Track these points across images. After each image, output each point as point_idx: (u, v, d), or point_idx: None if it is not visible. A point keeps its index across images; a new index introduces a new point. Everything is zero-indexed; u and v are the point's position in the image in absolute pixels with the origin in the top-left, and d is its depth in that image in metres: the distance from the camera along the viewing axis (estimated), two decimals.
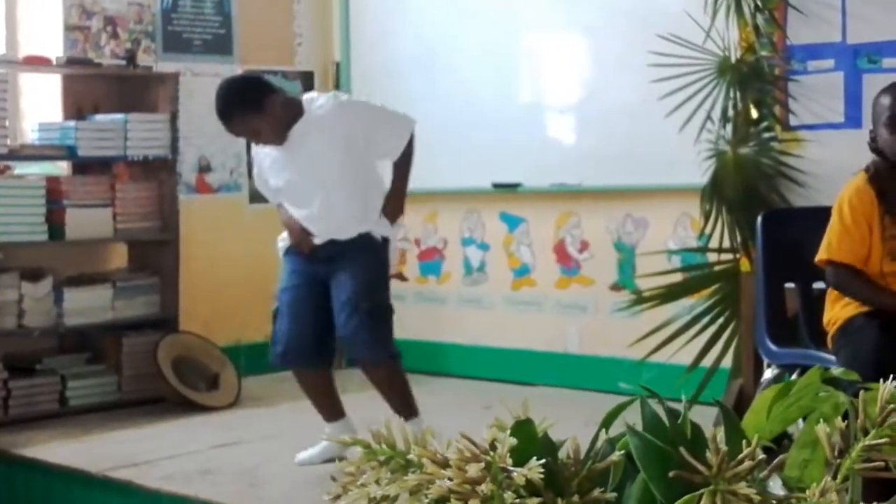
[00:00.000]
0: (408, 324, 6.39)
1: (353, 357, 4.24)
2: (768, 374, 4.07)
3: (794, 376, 3.84)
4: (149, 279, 5.69)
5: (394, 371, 4.29)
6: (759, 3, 4.46)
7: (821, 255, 3.65)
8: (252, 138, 4.25)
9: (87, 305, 5.46)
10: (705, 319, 4.66)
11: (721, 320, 4.64)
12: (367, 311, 4.18)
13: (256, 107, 4.10)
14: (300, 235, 4.28)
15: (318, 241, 4.26)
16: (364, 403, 4.49)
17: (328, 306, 4.25)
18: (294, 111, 4.21)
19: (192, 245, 5.87)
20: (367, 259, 4.23)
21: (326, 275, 4.26)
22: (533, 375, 5.84)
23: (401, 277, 6.47)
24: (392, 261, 4.41)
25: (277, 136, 4.19)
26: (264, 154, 4.35)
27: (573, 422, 1.31)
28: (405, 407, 4.26)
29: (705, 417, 1.17)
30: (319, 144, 4.18)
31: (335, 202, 4.21)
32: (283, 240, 4.40)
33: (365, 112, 4.31)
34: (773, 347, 3.98)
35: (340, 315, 4.20)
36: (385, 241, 4.29)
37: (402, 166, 4.33)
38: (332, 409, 4.41)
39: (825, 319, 3.78)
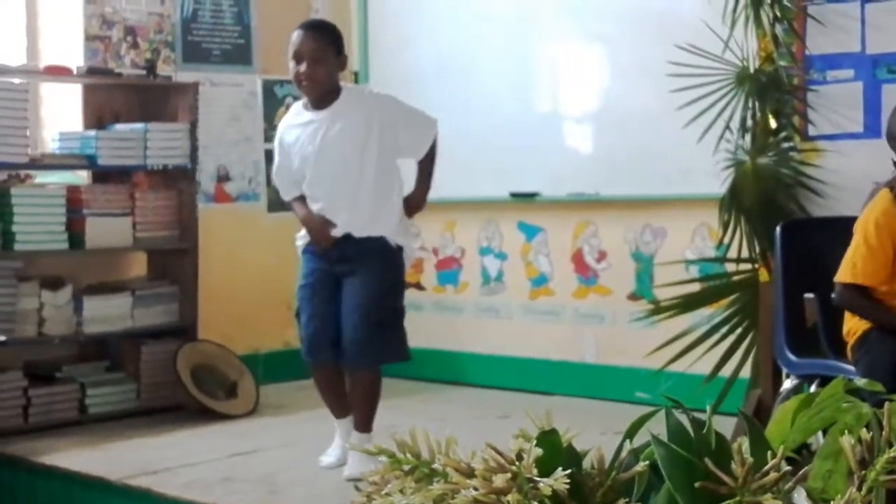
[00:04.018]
0: (425, 333, 6.40)
1: (348, 360, 4.27)
2: (787, 384, 4.06)
3: (813, 387, 3.85)
4: (168, 288, 5.72)
5: (376, 382, 4.34)
6: (778, 14, 4.46)
7: (843, 276, 3.63)
8: (311, 61, 4.24)
9: (107, 314, 5.49)
10: (723, 329, 4.65)
11: (739, 330, 4.63)
12: (379, 321, 4.22)
13: (338, 48, 4.32)
14: (320, 227, 4.30)
15: (337, 232, 4.28)
16: (382, 412, 4.49)
17: (337, 297, 4.30)
18: (337, 91, 4.32)
19: (210, 254, 5.90)
20: (381, 267, 4.26)
21: (342, 273, 4.29)
22: (550, 385, 5.84)
23: (418, 286, 6.49)
24: (406, 269, 4.43)
25: (324, 82, 4.25)
26: (292, 136, 4.38)
27: (591, 431, 1.32)
28: (368, 420, 4.32)
29: (723, 428, 1.18)
30: (354, 126, 4.24)
31: (362, 188, 4.25)
32: (302, 237, 4.43)
33: (396, 107, 4.39)
34: (792, 358, 3.98)
35: (349, 320, 4.24)
36: (399, 249, 4.33)
37: (427, 163, 4.42)
38: (342, 406, 4.46)
39: (844, 330, 3.78)
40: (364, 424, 4.31)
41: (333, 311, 4.31)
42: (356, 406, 4.35)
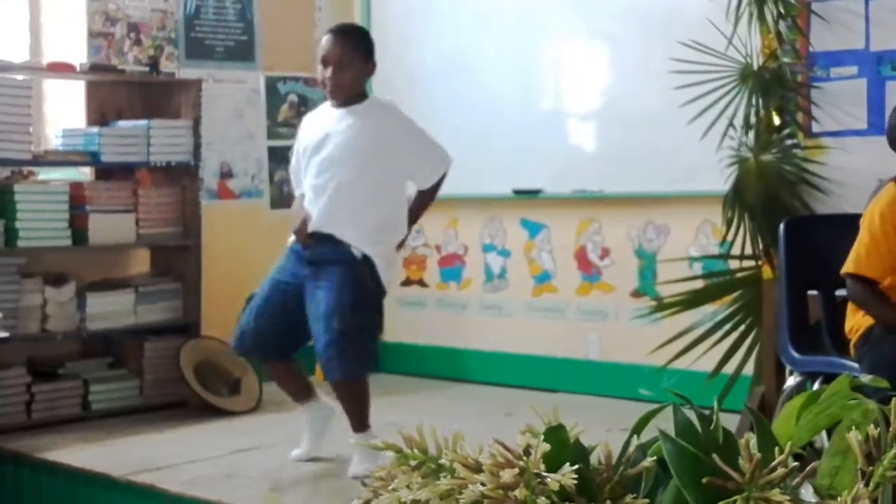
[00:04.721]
0: (428, 330, 6.41)
1: (322, 370, 4.28)
2: (791, 381, 4.06)
3: (816, 384, 3.85)
4: (171, 284, 5.72)
5: (355, 391, 4.31)
6: (781, 10, 4.46)
7: (847, 267, 3.64)
8: (337, 66, 4.27)
9: (110, 310, 5.49)
10: (727, 326, 4.65)
11: (743, 327, 4.63)
12: (339, 332, 4.19)
13: (367, 53, 4.37)
14: (301, 221, 4.32)
15: (310, 227, 4.28)
16: (387, 408, 4.50)
17: (298, 307, 4.30)
18: (363, 95, 4.38)
19: (213, 250, 5.90)
20: (346, 279, 4.22)
21: (309, 277, 4.29)
22: (554, 382, 5.84)
23: (421, 283, 6.49)
24: (386, 279, 4.36)
25: (349, 87, 4.30)
26: (309, 128, 4.42)
27: (595, 428, 1.31)
28: (359, 422, 4.31)
29: (726, 424, 1.17)
30: (364, 131, 4.27)
31: (351, 192, 4.25)
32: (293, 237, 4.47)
33: (414, 132, 4.39)
34: (795, 355, 3.97)
35: (315, 329, 4.25)
36: (366, 259, 4.27)
37: (426, 196, 4.48)
38: (299, 393, 4.50)
39: (847, 327, 3.78)
40: (357, 426, 4.30)
41: (282, 318, 4.33)
42: (344, 412, 4.35)
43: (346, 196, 4.25)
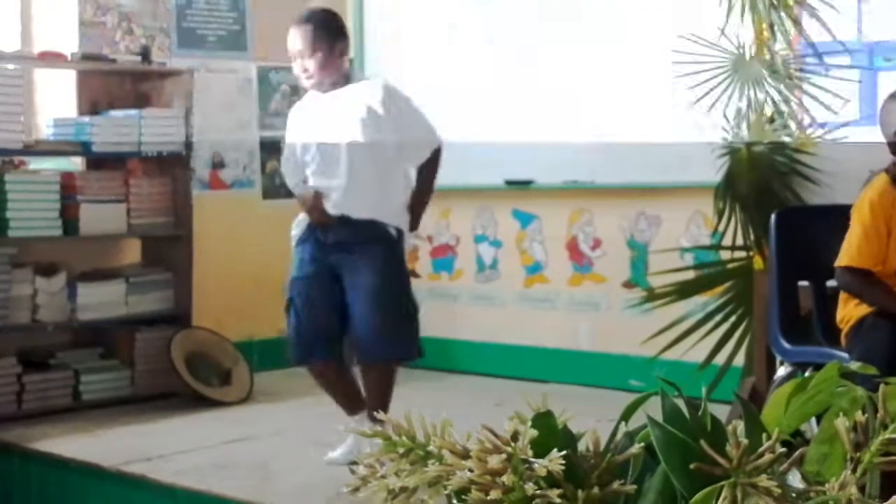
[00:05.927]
0: (420, 320, 6.40)
1: (360, 356, 4.21)
2: (781, 371, 4.07)
3: (806, 374, 3.85)
4: (162, 275, 5.71)
5: (391, 372, 4.28)
6: (774, 1, 4.45)
7: (840, 260, 3.64)
8: (306, 56, 4.21)
9: (101, 300, 5.48)
10: (718, 317, 4.65)
11: (734, 318, 4.63)
12: (386, 318, 4.16)
13: (331, 37, 4.25)
14: (313, 200, 4.24)
15: (332, 211, 4.22)
16: None
17: (339, 298, 4.22)
18: (345, 75, 4.31)
19: (205, 241, 5.88)
20: (383, 256, 4.20)
21: (339, 265, 4.23)
22: (545, 372, 5.84)
23: (413, 274, 6.48)
24: (405, 255, 4.37)
25: (323, 74, 4.22)
26: (298, 117, 4.37)
27: (585, 418, 1.31)
28: (377, 408, 4.20)
29: (717, 415, 1.17)
30: (354, 112, 4.20)
31: (361, 170, 4.19)
32: (297, 226, 4.37)
33: (405, 108, 4.29)
34: (786, 345, 3.98)
35: (356, 316, 4.18)
36: (399, 233, 4.25)
37: (427, 174, 4.32)
38: (354, 401, 4.33)
39: (838, 317, 3.78)
40: (380, 408, 4.24)
41: (330, 310, 4.22)
42: (367, 394, 4.28)
43: (360, 179, 4.18)
